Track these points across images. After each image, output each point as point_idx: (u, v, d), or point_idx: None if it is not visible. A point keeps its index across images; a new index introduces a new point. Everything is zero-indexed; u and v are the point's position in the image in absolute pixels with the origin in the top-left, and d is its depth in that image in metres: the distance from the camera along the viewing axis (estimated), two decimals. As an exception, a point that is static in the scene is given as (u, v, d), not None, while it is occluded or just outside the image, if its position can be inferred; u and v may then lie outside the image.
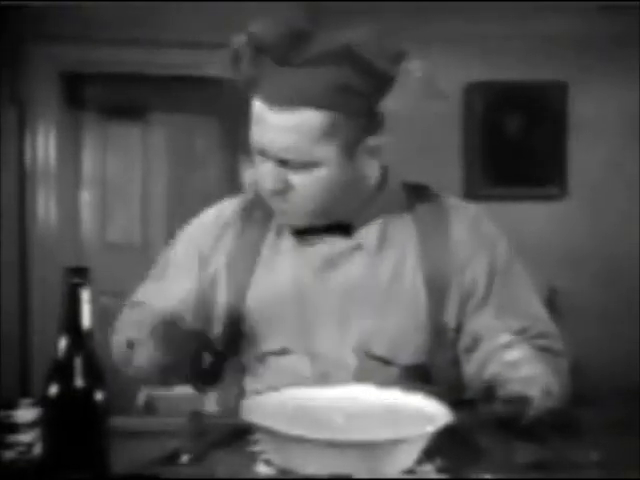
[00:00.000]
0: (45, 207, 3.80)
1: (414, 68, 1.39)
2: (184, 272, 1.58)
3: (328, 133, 1.39)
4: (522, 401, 1.31)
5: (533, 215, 4.01)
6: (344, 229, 1.53)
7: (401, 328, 1.49)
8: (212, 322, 1.56)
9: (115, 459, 1.02)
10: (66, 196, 4.01)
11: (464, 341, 1.52)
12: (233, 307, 1.54)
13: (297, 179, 1.43)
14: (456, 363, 1.53)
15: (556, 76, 3.94)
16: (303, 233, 1.53)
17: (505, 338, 1.37)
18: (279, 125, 1.39)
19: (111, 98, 4.17)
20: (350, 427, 1.18)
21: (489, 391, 1.34)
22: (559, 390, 1.41)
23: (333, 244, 1.52)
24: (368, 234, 1.52)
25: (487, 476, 1.11)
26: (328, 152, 1.40)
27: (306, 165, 1.41)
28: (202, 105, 4.11)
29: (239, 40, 1.41)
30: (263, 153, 1.44)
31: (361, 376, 1.46)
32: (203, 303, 1.56)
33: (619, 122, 4.01)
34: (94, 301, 0.99)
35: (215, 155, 4.26)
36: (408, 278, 1.51)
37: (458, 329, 1.52)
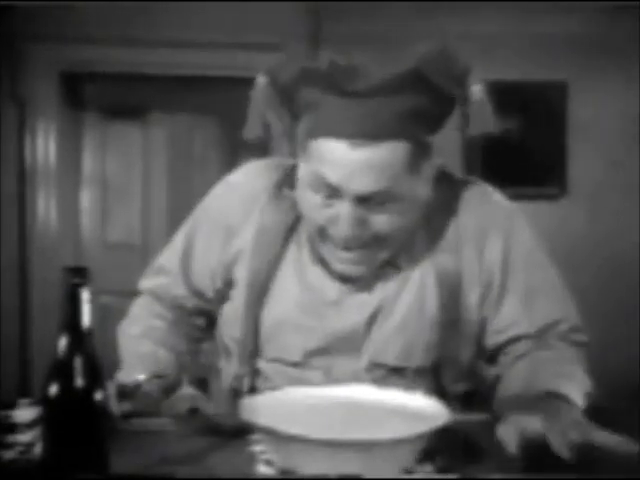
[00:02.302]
0: (45, 207, 3.80)
1: (476, 90, 1.33)
2: (210, 246, 1.52)
3: (409, 163, 1.30)
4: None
5: (533, 215, 3.99)
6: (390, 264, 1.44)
7: (410, 332, 1.42)
8: (226, 298, 1.52)
9: (115, 459, 1.02)
10: (66, 196, 4.01)
11: (492, 339, 1.45)
12: (253, 302, 1.46)
13: (379, 220, 1.32)
14: (474, 359, 1.47)
15: (556, 76, 3.94)
16: None
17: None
18: (360, 160, 1.27)
19: (111, 98, 4.17)
20: (350, 427, 1.18)
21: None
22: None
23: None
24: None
25: (496, 476, 1.11)
26: (409, 183, 1.32)
27: (389, 201, 1.31)
28: (202, 105, 4.11)
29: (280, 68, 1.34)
30: (335, 193, 1.31)
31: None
32: (224, 278, 1.51)
33: (619, 122, 4.01)
34: (94, 301, 1.00)
35: (215, 155, 4.26)
36: (417, 278, 1.43)
37: (483, 323, 1.45)
